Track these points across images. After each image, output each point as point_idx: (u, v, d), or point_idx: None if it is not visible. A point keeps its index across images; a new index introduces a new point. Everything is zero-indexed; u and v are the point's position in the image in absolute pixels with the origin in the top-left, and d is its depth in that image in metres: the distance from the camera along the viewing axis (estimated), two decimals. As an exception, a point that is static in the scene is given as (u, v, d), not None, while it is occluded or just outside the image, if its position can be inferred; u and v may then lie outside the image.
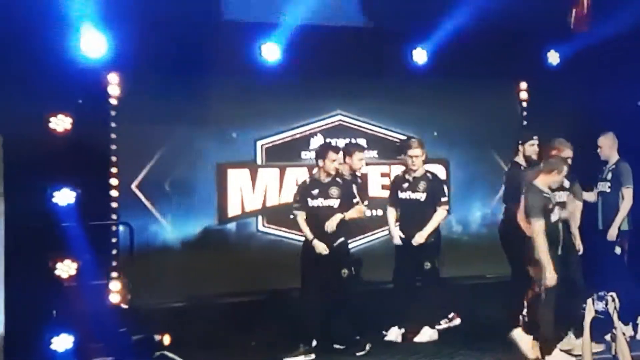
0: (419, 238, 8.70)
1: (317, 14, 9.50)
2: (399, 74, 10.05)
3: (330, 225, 8.48)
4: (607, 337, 6.70)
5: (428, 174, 8.90)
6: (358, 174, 9.14)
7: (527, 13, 9.93)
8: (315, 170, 8.83)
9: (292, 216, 8.88)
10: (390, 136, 10.25)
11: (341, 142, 9.89)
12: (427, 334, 8.77)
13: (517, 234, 8.39)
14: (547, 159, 8.30)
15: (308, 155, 9.85)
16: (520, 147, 8.89)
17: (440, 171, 10.11)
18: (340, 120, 10.27)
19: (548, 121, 10.24)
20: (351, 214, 8.61)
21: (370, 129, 10.32)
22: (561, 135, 9.30)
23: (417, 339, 8.79)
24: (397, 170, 9.33)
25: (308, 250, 8.62)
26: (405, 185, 8.83)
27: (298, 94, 9.98)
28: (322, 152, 8.77)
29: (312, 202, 8.67)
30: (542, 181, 7.92)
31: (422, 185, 8.78)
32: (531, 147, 8.88)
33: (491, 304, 9.42)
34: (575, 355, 7.86)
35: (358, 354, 8.49)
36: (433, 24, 9.93)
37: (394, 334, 8.83)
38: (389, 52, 9.98)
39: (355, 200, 8.71)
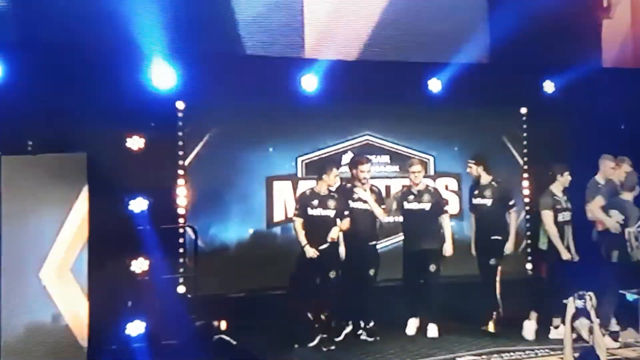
0: (449, 249, 9.53)
1: (347, 50, 10.22)
2: (417, 100, 10.54)
3: (333, 235, 9.18)
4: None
5: (429, 187, 9.73)
6: (365, 184, 9.56)
7: (526, 49, 10.65)
8: (315, 184, 9.34)
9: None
10: (410, 153, 10.64)
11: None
12: (433, 330, 9.51)
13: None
14: (627, 176, 9.37)
15: (340, 169, 10.08)
16: None
17: (452, 184, 10.85)
18: (367, 139, 10.67)
19: (544, 141, 10.92)
20: (343, 225, 9.28)
21: (392, 147, 10.74)
22: (555, 152, 10.21)
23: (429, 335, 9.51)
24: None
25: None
26: (411, 197, 9.60)
27: (332, 118, 10.45)
28: (324, 168, 9.37)
29: (311, 212, 9.23)
30: (629, 196, 9.10)
31: (426, 196, 9.56)
32: (469, 169, 9.78)
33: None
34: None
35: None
36: (446, 59, 10.51)
37: (412, 327, 9.58)
38: (408, 82, 10.47)
39: (346, 213, 9.31)
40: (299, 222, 9.28)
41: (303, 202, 9.33)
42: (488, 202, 9.66)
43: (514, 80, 10.68)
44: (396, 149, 10.78)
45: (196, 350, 8.83)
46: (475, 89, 10.48)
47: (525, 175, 11.21)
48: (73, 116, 8.85)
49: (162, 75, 9.43)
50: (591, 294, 7.23)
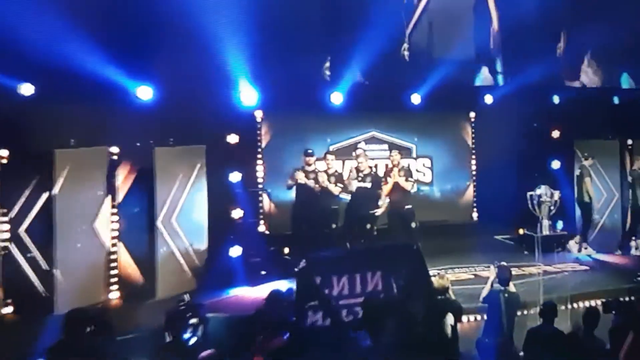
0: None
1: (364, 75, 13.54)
2: (404, 109, 13.94)
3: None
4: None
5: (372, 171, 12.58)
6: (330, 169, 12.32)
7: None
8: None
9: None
10: (400, 144, 13.99)
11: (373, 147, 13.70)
12: None
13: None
14: None
15: (355, 153, 12.77)
16: None
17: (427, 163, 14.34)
18: (373, 134, 14.03)
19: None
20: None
21: (391, 140, 14.11)
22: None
23: None
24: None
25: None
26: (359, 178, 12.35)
27: (351, 120, 13.79)
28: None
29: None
30: None
31: (368, 178, 12.30)
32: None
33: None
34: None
35: None
36: (421, 80, 13.88)
37: None
38: (399, 97, 13.88)
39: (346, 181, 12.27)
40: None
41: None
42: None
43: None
44: (392, 140, 14.16)
45: (270, 265, 11.68)
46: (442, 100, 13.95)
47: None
48: (197, 122, 11.49)
49: (247, 93, 12.49)
50: (504, 263, 8.82)
